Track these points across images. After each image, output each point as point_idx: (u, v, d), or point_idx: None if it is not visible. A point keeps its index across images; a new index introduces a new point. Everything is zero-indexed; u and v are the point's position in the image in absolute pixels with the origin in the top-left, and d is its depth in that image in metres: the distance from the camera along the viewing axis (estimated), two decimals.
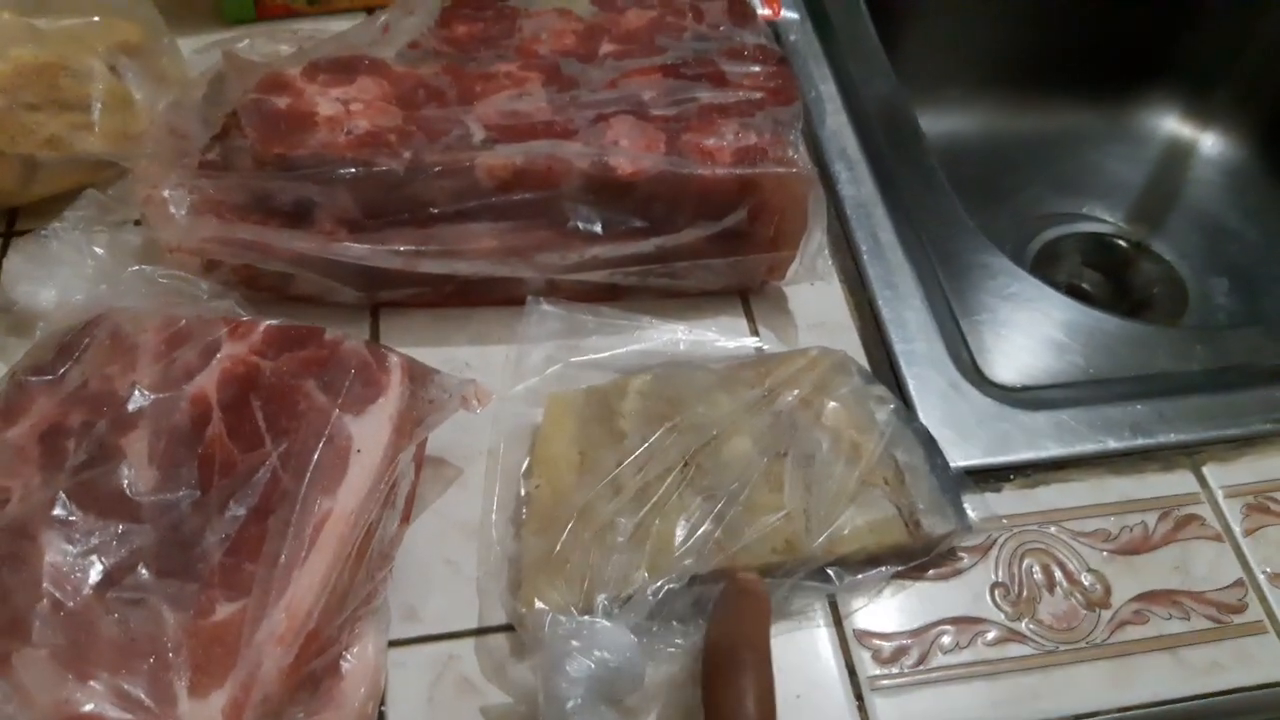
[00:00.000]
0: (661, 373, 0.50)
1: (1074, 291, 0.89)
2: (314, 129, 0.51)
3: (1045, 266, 0.88)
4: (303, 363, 0.44)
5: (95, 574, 0.38)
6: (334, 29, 0.67)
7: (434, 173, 0.51)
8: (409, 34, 0.57)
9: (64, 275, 0.52)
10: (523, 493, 0.47)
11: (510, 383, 0.51)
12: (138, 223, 0.55)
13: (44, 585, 0.37)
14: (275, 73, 0.54)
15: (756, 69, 0.55)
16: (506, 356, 0.53)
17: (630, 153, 0.51)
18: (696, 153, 0.51)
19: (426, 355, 0.48)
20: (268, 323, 0.45)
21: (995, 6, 0.90)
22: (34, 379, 0.43)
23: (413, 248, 0.51)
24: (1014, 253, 0.87)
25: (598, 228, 0.52)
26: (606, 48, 0.56)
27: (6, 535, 0.39)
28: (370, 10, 0.70)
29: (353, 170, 0.50)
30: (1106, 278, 0.89)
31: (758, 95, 0.54)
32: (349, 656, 0.40)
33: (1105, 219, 0.91)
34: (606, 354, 0.52)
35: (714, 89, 0.54)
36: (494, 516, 0.47)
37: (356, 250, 0.51)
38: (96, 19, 0.55)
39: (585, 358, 0.52)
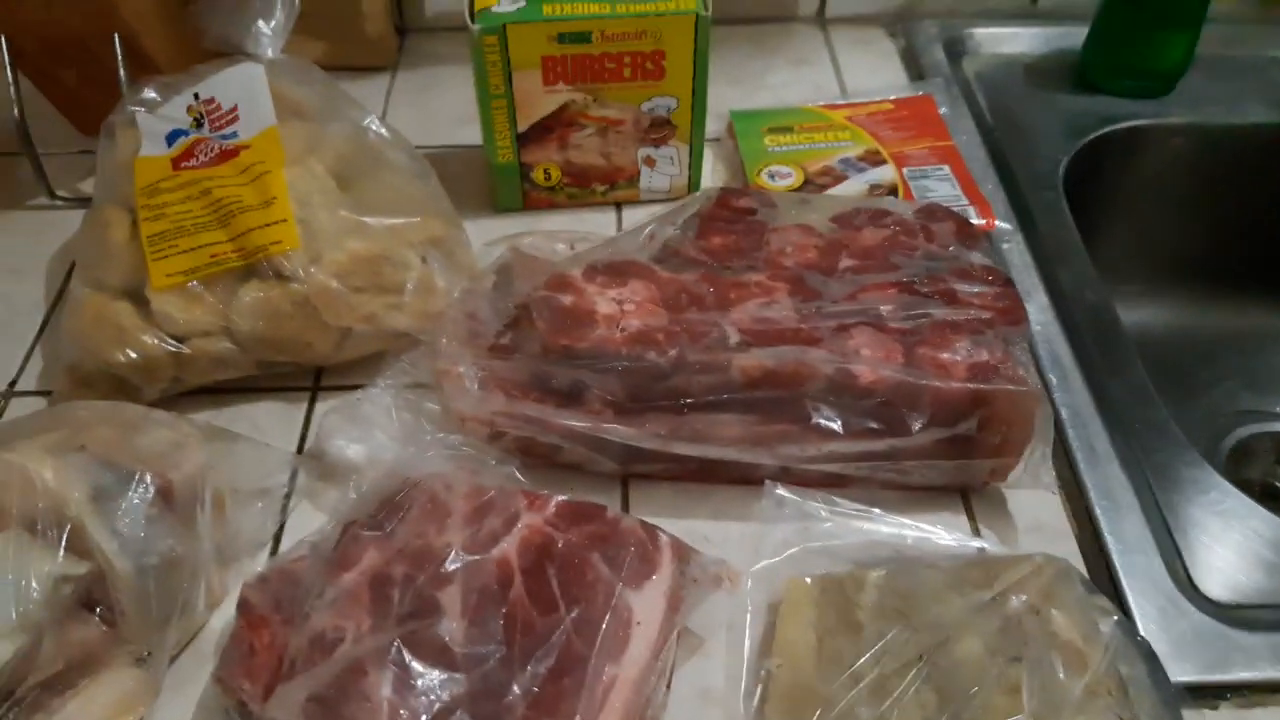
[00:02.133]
0: (896, 568, 0.54)
1: (1268, 491, 0.89)
2: (594, 325, 0.60)
3: (1239, 464, 0.89)
4: (589, 537, 0.50)
5: (420, 715, 0.44)
6: (588, 219, 0.77)
7: (695, 369, 0.58)
8: (671, 243, 0.65)
9: (373, 435, 0.61)
10: (763, 671, 0.52)
11: (749, 561, 0.56)
12: (425, 388, 0.64)
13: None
14: (561, 273, 0.63)
15: (984, 289, 0.61)
16: (742, 533, 0.59)
17: (871, 361, 0.57)
18: (931, 365, 0.57)
19: (669, 525, 0.54)
20: (559, 498, 0.52)
21: (1191, 202, 0.94)
22: (367, 533, 0.51)
23: (668, 431, 0.58)
24: (1207, 449, 0.89)
25: (837, 426, 0.57)
26: (845, 262, 0.63)
27: (346, 671, 0.46)
28: (618, 206, 0.80)
29: (626, 363, 0.58)
30: None
31: (987, 314, 0.59)
32: None
33: None
34: (838, 542, 0.57)
35: (946, 306, 0.60)
36: (741, 691, 0.52)
37: (621, 432, 0.58)
38: (417, 219, 0.66)
39: (819, 544, 0.57)
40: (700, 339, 0.59)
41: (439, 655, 0.46)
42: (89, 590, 0.48)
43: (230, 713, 0.50)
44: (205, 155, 0.65)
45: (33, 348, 0.71)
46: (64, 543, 0.47)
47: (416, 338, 0.66)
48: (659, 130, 0.76)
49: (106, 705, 0.48)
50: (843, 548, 0.57)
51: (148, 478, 0.51)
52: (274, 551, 0.59)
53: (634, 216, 0.79)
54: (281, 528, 0.61)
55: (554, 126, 0.75)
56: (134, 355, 0.62)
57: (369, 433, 0.61)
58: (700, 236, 0.65)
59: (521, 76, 0.72)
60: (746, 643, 0.53)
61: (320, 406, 0.67)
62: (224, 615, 0.56)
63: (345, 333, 0.65)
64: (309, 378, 0.68)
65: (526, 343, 0.61)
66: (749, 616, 0.54)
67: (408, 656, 0.46)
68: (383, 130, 0.70)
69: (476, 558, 0.50)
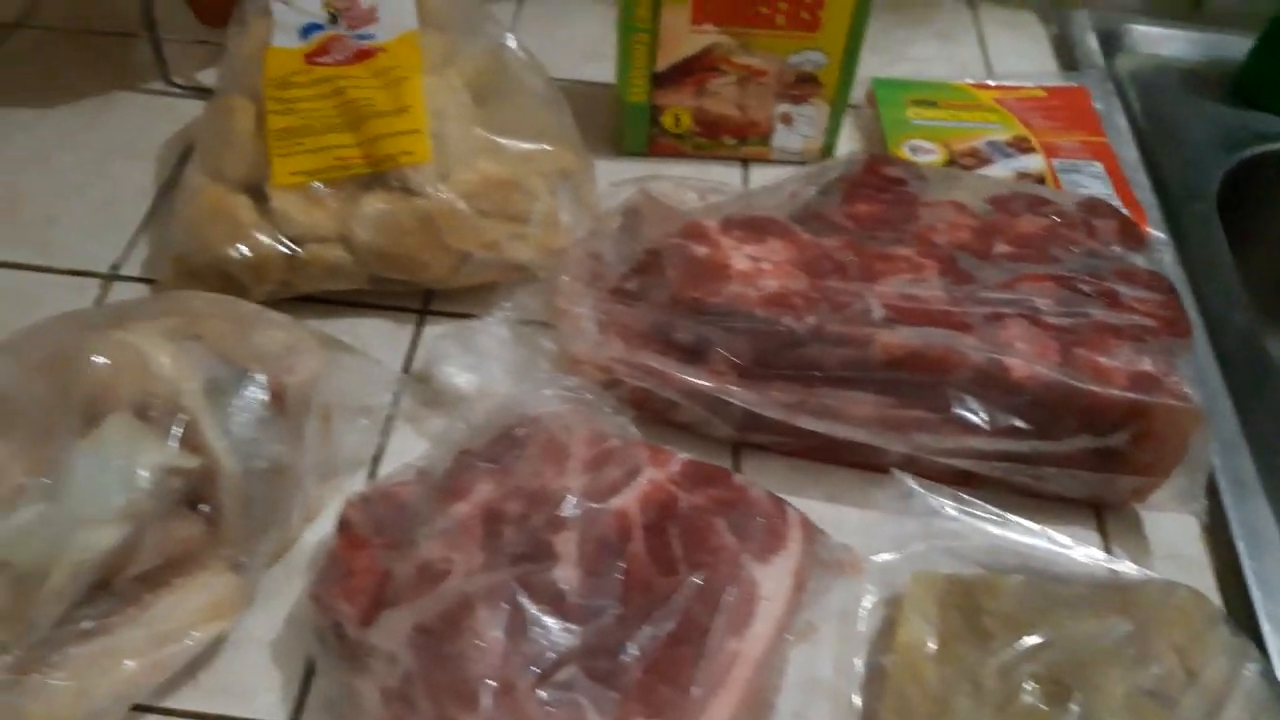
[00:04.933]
0: (1028, 578, 0.51)
1: None
2: (728, 280, 0.56)
3: None
4: (715, 501, 0.47)
5: (532, 663, 0.42)
6: (713, 172, 0.74)
7: (833, 340, 0.54)
8: (813, 206, 0.61)
9: (487, 366, 0.58)
10: (878, 667, 0.49)
11: (864, 550, 0.53)
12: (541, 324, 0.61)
13: (486, 663, 0.42)
14: (696, 222, 0.59)
15: (1147, 295, 0.57)
16: (859, 521, 0.56)
17: (1025, 355, 0.53)
18: (1089, 369, 0.53)
19: None
20: (683, 457, 0.49)
21: None
22: (481, 464, 0.49)
23: (794, 402, 0.55)
24: None
25: (981, 420, 0.54)
26: (1000, 248, 0.59)
27: (455, 605, 0.44)
28: (745, 162, 0.77)
29: (760, 325, 0.55)
30: None
31: (1150, 322, 0.55)
32: None
33: None
34: (963, 543, 0.54)
35: (1106, 308, 0.56)
36: (851, 684, 0.49)
37: (748, 397, 0.55)
38: (551, 148, 0.62)
39: (944, 543, 0.53)
40: (841, 309, 0.55)
41: (554, 602, 0.43)
42: (194, 487, 0.46)
43: (322, 632, 0.47)
44: (341, 53, 0.62)
45: (138, 233, 0.69)
46: (177, 435, 0.45)
47: (533, 273, 0.63)
48: (802, 86, 0.72)
49: (199, 608, 0.46)
50: (967, 549, 0.53)
51: (262, 378, 0.49)
52: (372, 472, 0.57)
53: (762, 175, 0.75)
54: (380, 449, 0.58)
55: (693, 70, 0.71)
56: (248, 252, 0.60)
57: (482, 363, 0.58)
58: (846, 202, 0.62)
59: (670, 11, 0.68)
60: (857, 634, 0.50)
61: (428, 330, 0.64)
62: (317, 531, 0.54)
63: (463, 257, 0.62)
64: (417, 300, 0.66)
65: (653, 290, 0.58)
66: (862, 608, 0.51)
67: (523, 599, 0.43)
68: (520, 52, 0.67)
69: (595, 506, 0.47)
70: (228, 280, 0.62)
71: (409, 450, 0.58)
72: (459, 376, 0.58)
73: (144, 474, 0.43)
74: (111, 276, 0.66)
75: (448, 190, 0.60)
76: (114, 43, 0.83)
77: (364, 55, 0.62)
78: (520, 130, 0.63)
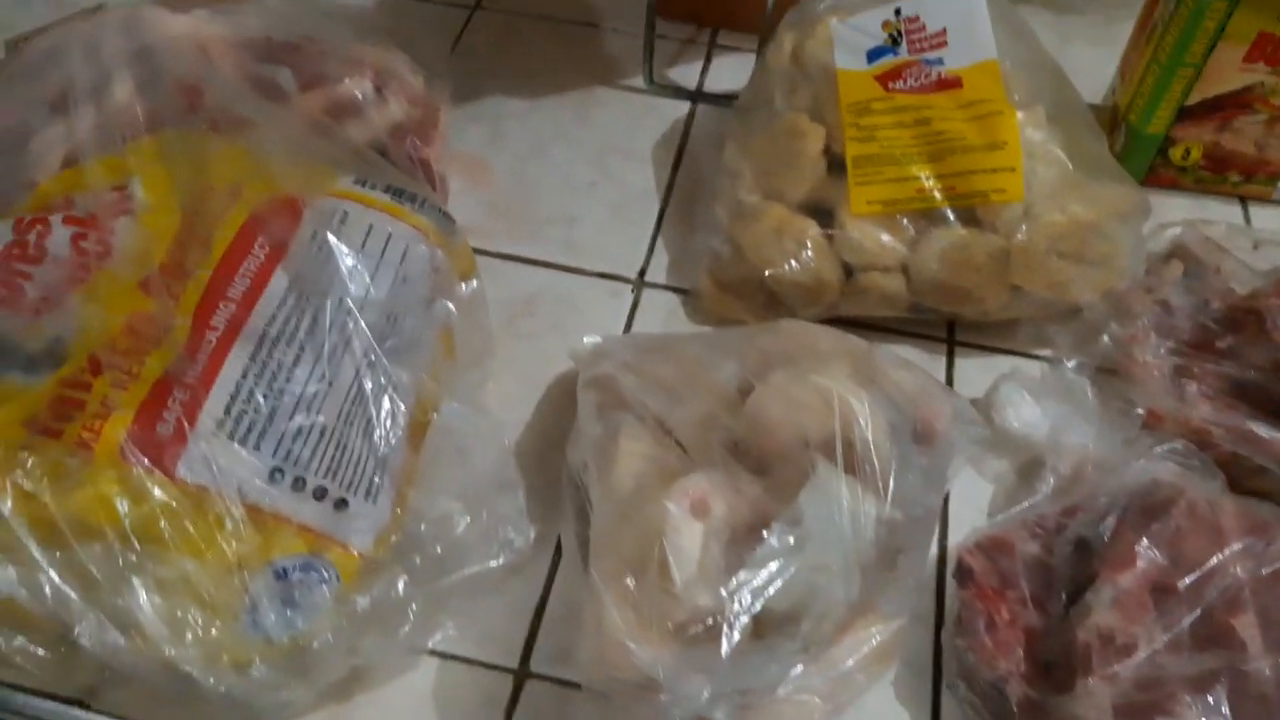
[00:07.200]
0: None
1: None
2: None
3: None
4: None
5: None
6: (1209, 209, 0.72)
7: None
8: None
9: (1057, 412, 0.58)
10: None
11: None
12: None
13: None
14: None
15: None
16: None
17: None
18: None
19: None
20: None
21: None
22: (1135, 534, 0.49)
23: None
24: None
25: None
26: None
27: (1157, 688, 0.44)
28: (1243, 200, 0.73)
29: None
30: None
31: None
32: None
33: None
34: None
35: None
36: None
37: None
38: (1127, 187, 0.61)
39: None
40: None
41: (1262, 697, 0.44)
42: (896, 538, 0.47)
43: (979, 685, 0.49)
44: (917, 80, 0.61)
45: (654, 238, 0.70)
46: (890, 486, 0.46)
47: (1070, 311, 0.63)
48: None
49: (871, 653, 0.47)
50: None
51: (920, 423, 0.50)
52: (943, 514, 0.58)
53: (1262, 216, 0.73)
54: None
55: (1223, 106, 0.69)
56: (810, 273, 0.61)
57: (1052, 409, 0.58)
58: None
59: (1225, 49, 0.65)
60: None
61: (962, 363, 0.64)
62: None
63: (1014, 293, 0.62)
64: (942, 328, 0.66)
65: (1249, 350, 0.57)
66: None
67: (1235, 690, 0.43)
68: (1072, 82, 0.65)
69: (1266, 588, 0.47)
70: (770, 298, 0.64)
71: (967, 492, 0.58)
72: (1024, 423, 0.58)
73: (869, 524, 0.45)
74: (640, 283, 0.68)
75: (1032, 231, 0.59)
76: (577, 32, 0.85)
77: (946, 85, 0.61)
78: (1091, 169, 0.62)
